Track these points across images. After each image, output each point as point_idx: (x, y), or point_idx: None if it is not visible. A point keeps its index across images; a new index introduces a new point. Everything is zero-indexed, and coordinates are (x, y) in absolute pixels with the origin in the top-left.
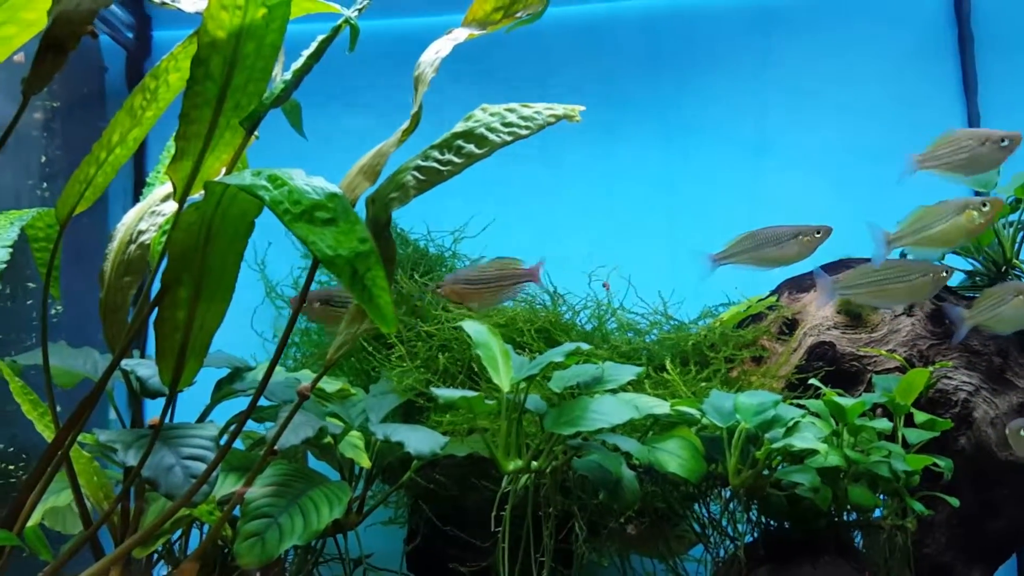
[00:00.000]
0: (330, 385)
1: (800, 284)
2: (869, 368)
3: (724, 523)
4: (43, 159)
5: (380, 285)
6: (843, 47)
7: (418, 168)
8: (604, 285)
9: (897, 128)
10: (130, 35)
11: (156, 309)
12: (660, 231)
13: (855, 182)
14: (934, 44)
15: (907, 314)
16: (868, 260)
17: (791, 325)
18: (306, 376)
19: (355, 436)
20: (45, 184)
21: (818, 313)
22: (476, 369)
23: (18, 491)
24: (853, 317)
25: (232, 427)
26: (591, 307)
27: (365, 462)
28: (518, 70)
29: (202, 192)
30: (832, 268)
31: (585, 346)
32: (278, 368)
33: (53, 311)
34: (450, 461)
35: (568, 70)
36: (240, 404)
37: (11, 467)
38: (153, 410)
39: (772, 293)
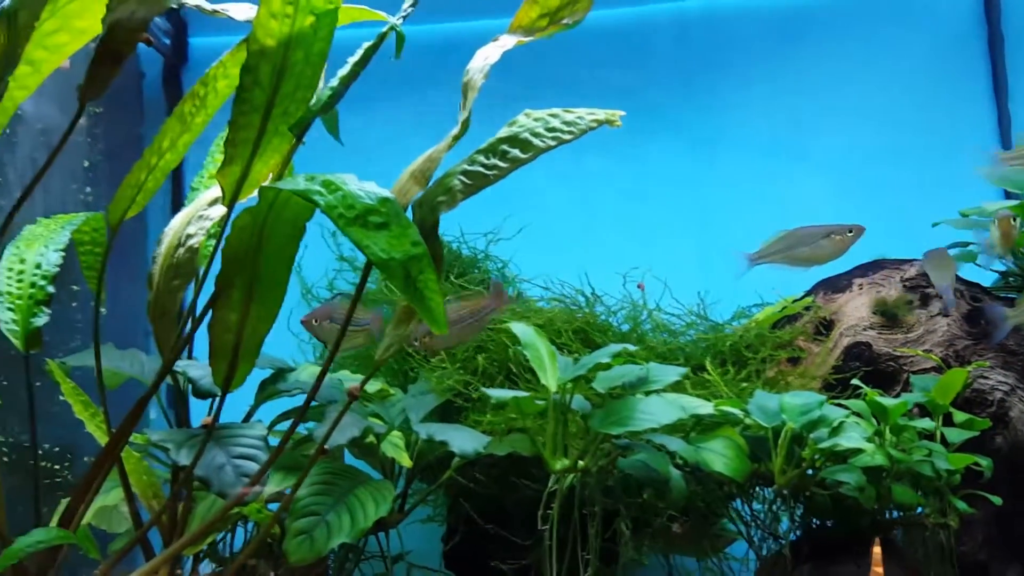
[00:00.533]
0: (369, 385)
1: (835, 285)
2: (905, 368)
3: (768, 522)
4: (86, 164)
5: (432, 288)
6: (872, 50)
7: (464, 172)
8: (639, 286)
9: (925, 130)
10: (167, 41)
11: (210, 311)
12: (690, 233)
13: (884, 185)
14: (963, 45)
15: (943, 314)
16: (905, 260)
17: (827, 325)
18: (345, 376)
19: (395, 435)
20: (88, 188)
21: (854, 314)
22: (514, 370)
23: (73, 490)
24: (889, 317)
25: (278, 427)
26: (627, 308)
27: (406, 461)
28: (547, 74)
29: (249, 196)
30: (867, 268)
31: (632, 347)
32: (316, 368)
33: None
34: (488, 460)
35: (598, 74)
36: (276, 404)
37: (56, 467)
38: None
39: (807, 294)
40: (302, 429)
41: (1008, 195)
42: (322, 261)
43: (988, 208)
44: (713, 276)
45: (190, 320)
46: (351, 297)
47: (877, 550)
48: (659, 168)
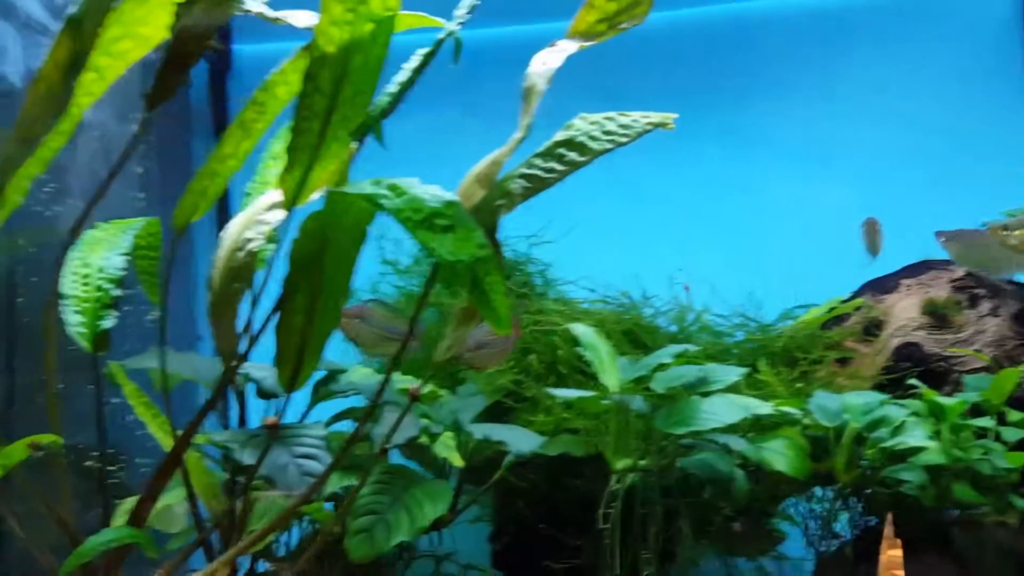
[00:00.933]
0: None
1: (883, 286)
2: (956, 368)
3: (828, 521)
4: (140, 170)
5: (497, 289)
6: (906, 55)
7: (523, 176)
8: (685, 287)
9: (961, 134)
10: (202, 52)
11: (278, 315)
12: (731, 236)
13: (921, 188)
14: (999, 50)
15: (992, 315)
16: (951, 261)
17: (876, 326)
18: (395, 377)
19: (447, 436)
20: (142, 195)
21: (903, 315)
22: (563, 371)
23: (143, 490)
24: (938, 318)
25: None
26: (674, 309)
27: (458, 461)
28: (580, 79)
29: (307, 201)
30: (914, 269)
31: (692, 347)
32: (367, 370)
33: (150, 317)
34: (538, 461)
35: (631, 78)
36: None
37: (110, 469)
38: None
39: (854, 295)
40: (342, 428)
41: None
42: (366, 266)
43: None
44: (755, 278)
45: (251, 325)
46: (384, 304)
47: (893, 553)
48: (699, 171)
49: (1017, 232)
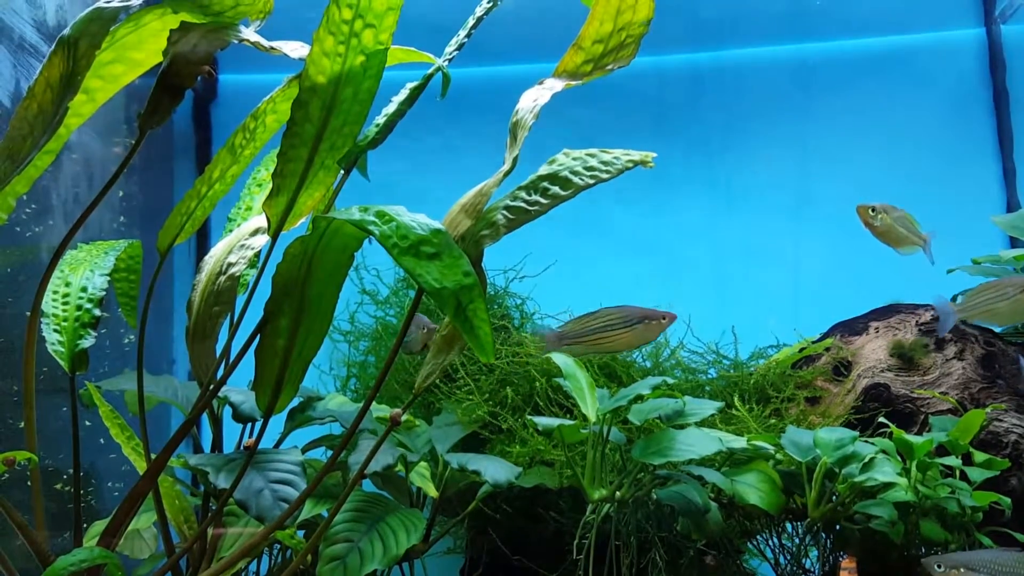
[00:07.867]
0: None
1: (852, 327)
2: (923, 409)
3: (799, 555)
4: (121, 193)
5: (481, 317)
6: (880, 104)
7: (507, 208)
8: None
9: (933, 182)
10: (197, 78)
11: (258, 337)
12: (707, 275)
13: None
14: (969, 100)
15: (958, 358)
16: (919, 305)
17: (845, 367)
18: (373, 406)
19: (422, 466)
20: (122, 218)
21: (872, 356)
22: (540, 403)
23: (115, 512)
24: (906, 360)
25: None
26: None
27: (432, 491)
28: (565, 120)
29: (292, 227)
30: (883, 312)
31: (671, 380)
32: (343, 398)
33: (126, 340)
34: (511, 493)
35: (616, 121)
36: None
37: (80, 491)
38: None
39: (824, 336)
40: (317, 454)
41: (1013, 243)
42: (343, 295)
43: (1004, 256)
44: (728, 316)
45: (231, 348)
46: None
47: None
48: (675, 213)
49: (881, 216)
